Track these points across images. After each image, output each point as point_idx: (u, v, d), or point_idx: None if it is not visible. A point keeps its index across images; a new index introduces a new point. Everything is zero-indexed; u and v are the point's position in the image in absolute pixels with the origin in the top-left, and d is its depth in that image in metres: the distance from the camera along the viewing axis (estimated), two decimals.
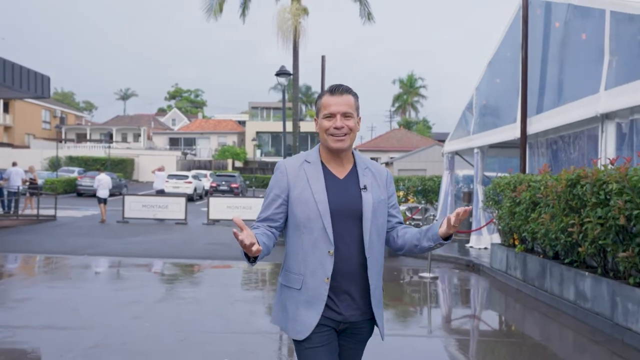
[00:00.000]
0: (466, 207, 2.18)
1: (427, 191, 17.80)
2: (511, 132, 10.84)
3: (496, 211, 9.43)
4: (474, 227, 12.79)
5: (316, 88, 68.50)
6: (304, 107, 66.04)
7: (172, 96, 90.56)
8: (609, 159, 6.36)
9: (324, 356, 2.31)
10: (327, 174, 2.36)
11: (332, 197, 2.30)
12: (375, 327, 2.42)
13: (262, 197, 16.80)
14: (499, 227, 9.49)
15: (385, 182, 2.46)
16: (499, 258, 9.44)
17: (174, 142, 59.87)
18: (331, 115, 2.32)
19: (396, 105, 74.16)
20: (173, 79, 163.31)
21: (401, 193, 18.57)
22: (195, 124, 63.35)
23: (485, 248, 12.21)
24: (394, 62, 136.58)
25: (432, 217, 15.92)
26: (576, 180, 6.24)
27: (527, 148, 10.28)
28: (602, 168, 6.02)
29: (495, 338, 6.34)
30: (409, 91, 72.77)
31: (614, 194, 5.41)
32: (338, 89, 2.36)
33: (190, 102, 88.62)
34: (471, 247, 12.75)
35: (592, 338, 5.89)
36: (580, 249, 6.34)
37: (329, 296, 2.28)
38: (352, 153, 2.44)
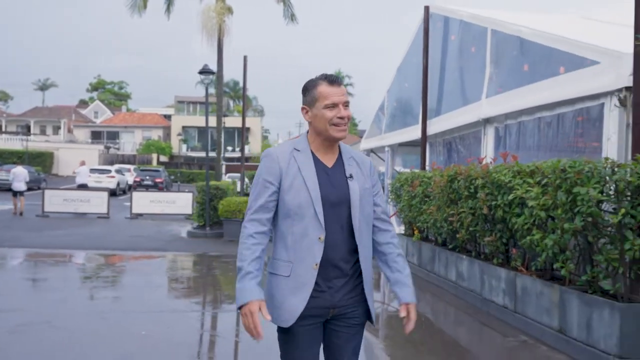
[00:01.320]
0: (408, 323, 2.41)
1: None
2: (416, 132, 11.89)
3: (398, 204, 10.43)
4: None
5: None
6: (231, 102, 66.02)
7: (95, 88, 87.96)
8: (490, 158, 7.43)
9: (307, 349, 2.36)
10: (317, 162, 2.39)
11: (322, 184, 2.33)
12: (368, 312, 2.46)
13: (188, 192, 17.09)
14: (400, 218, 10.52)
15: (369, 171, 2.49)
16: (401, 247, 10.45)
17: (96, 136, 58.46)
18: (334, 105, 2.33)
19: None
20: (96, 70, 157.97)
21: None
22: (119, 117, 62.07)
23: None
24: (322, 60, 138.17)
25: None
26: (454, 176, 7.28)
27: (428, 147, 11.37)
28: (478, 164, 7.07)
29: (394, 316, 7.27)
30: None
31: (479, 188, 6.46)
32: (336, 79, 2.37)
33: (113, 95, 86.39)
34: None
35: (467, 312, 6.92)
36: (458, 236, 7.39)
37: (317, 282, 2.30)
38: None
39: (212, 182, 15.12)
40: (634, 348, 4.50)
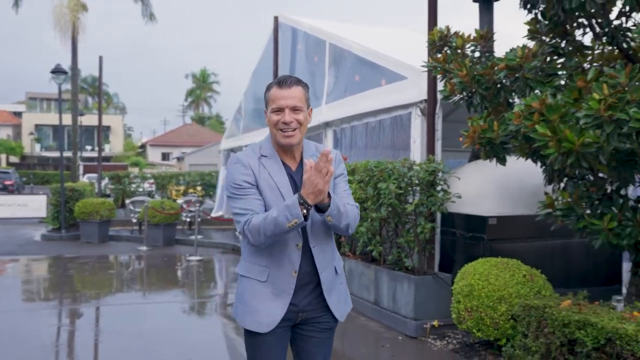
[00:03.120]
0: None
1: (207, 185, 19.25)
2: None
3: None
4: None
5: (104, 81, 65.64)
6: (90, 99, 62.95)
7: None
8: None
9: (278, 352, 2.35)
10: (285, 167, 2.34)
11: (294, 190, 2.28)
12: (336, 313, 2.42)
13: (42, 194, 16.34)
14: None
15: (333, 164, 2.28)
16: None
17: None
18: (279, 110, 2.24)
19: (189, 100, 74.39)
20: None
21: (182, 188, 19.77)
22: None
23: None
24: (187, 56, 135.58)
25: (210, 210, 17.37)
26: None
27: None
28: None
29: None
30: (202, 86, 73.44)
31: None
32: (286, 82, 2.27)
33: None
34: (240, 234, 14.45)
35: None
36: None
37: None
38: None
39: (68, 184, 14.85)
40: (425, 310, 5.61)
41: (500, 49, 5.26)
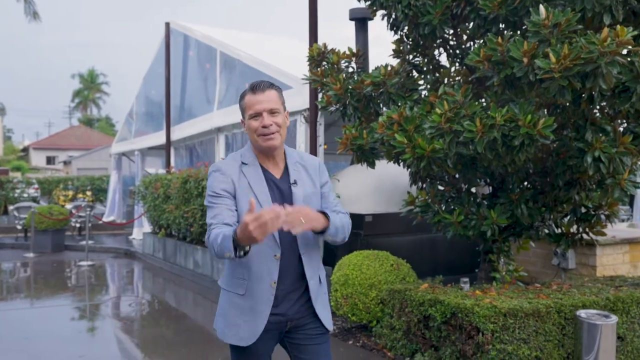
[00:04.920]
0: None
1: (97, 190, 18.80)
2: (162, 137, 12.80)
3: (144, 205, 11.25)
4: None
5: None
6: None
7: None
8: (221, 158, 8.72)
9: (264, 357, 2.33)
10: (266, 175, 2.31)
11: (274, 198, 2.25)
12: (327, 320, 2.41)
13: None
14: (146, 217, 11.36)
15: (317, 172, 2.41)
16: (148, 244, 11.32)
17: None
18: (257, 115, 2.23)
19: (76, 101, 70.98)
20: None
21: (70, 193, 19.17)
22: None
23: None
24: (73, 55, 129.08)
25: (101, 215, 17.02)
26: (187, 178, 8.45)
27: (174, 151, 12.38)
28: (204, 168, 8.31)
29: (144, 307, 8.10)
30: (90, 87, 70.35)
31: (205, 188, 7.72)
32: (259, 87, 2.26)
33: None
34: (134, 238, 14.37)
35: (202, 294, 8.11)
36: (192, 229, 8.57)
37: (275, 297, 2.25)
38: (284, 150, 2.39)
39: None
40: None
41: (381, 62, 5.90)
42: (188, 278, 9.07)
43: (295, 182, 2.31)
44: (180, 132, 11.88)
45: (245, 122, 2.31)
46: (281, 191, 2.30)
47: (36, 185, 20.32)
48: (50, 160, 52.30)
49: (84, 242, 11.48)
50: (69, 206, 14.86)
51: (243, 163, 2.30)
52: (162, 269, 10.28)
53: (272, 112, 2.25)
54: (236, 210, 2.23)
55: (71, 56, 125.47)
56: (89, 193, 19.45)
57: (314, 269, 2.34)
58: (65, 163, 45.50)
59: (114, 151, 16.86)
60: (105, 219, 15.40)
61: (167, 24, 12.03)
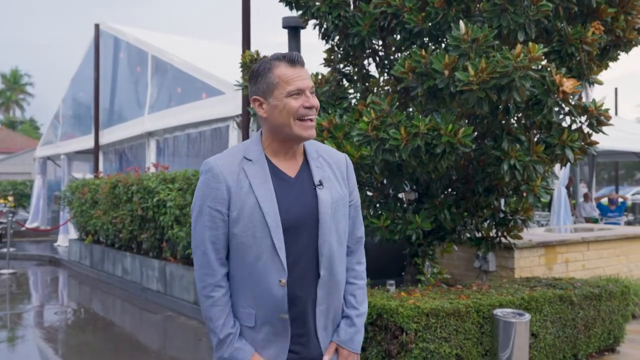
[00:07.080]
0: None
1: (20, 195, 18.02)
2: (90, 141, 12.45)
3: (71, 210, 10.91)
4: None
5: None
6: None
7: None
8: (152, 163, 8.60)
9: None
10: (276, 174, 1.83)
11: (284, 204, 1.79)
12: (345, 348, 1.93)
13: None
14: (73, 223, 11.02)
15: (346, 172, 1.96)
16: (74, 251, 10.97)
17: None
18: (299, 93, 1.77)
19: None
20: None
21: None
22: None
23: None
24: None
25: (24, 221, 16.31)
26: (115, 183, 8.28)
27: (102, 155, 12.07)
28: (138, 174, 8.19)
29: (69, 315, 7.84)
30: (13, 87, 67.22)
31: (134, 193, 7.60)
32: (298, 58, 1.81)
33: None
34: (59, 245, 13.86)
35: (130, 301, 7.95)
36: (121, 235, 8.40)
37: (293, 330, 1.83)
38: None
39: None
40: None
41: (312, 71, 6.01)
42: (116, 285, 8.87)
43: (320, 183, 1.84)
44: (109, 136, 11.60)
45: (272, 102, 1.80)
46: (298, 194, 1.83)
47: None
48: None
49: (4, 250, 10.97)
50: None
51: (246, 159, 1.83)
52: (89, 276, 9.99)
53: (313, 91, 1.83)
54: (228, 217, 1.79)
55: None
56: (10, 198, 18.60)
57: (333, 293, 1.89)
58: None
59: (39, 155, 16.22)
60: (28, 225, 14.79)
61: (97, 26, 11.75)
